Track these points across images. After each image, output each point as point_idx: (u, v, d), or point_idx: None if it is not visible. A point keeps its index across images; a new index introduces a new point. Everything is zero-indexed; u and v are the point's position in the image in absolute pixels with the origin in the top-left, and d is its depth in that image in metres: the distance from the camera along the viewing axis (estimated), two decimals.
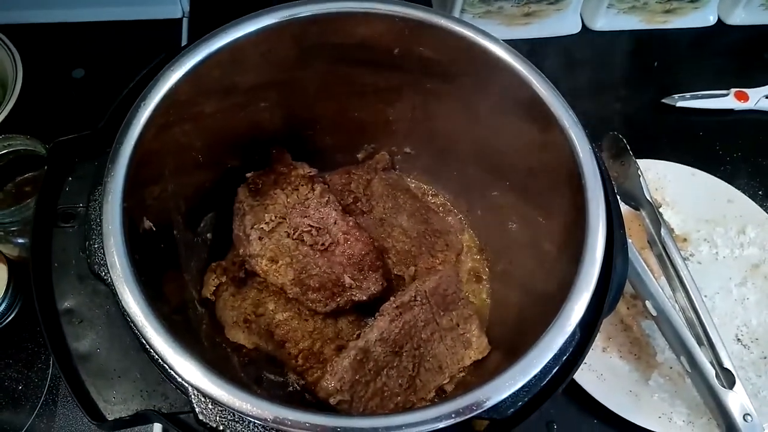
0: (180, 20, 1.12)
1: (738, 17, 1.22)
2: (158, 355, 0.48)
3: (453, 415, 0.47)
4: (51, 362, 0.82)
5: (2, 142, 0.77)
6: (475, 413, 0.48)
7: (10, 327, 0.81)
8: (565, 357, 0.52)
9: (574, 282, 0.54)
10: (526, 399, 0.51)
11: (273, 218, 0.74)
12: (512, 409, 0.50)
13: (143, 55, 1.05)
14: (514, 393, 0.49)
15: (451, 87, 0.72)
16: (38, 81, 0.95)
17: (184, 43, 1.10)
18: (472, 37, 0.65)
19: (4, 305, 0.78)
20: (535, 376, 0.50)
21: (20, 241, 0.79)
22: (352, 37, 0.68)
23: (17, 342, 0.82)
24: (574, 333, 0.52)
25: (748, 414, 0.75)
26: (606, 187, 0.59)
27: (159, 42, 1.10)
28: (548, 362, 0.50)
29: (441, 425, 0.47)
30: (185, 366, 0.47)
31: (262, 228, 0.73)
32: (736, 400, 0.75)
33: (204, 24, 1.10)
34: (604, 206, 0.57)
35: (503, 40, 0.66)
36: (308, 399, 0.70)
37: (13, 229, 0.77)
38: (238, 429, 0.48)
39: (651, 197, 0.89)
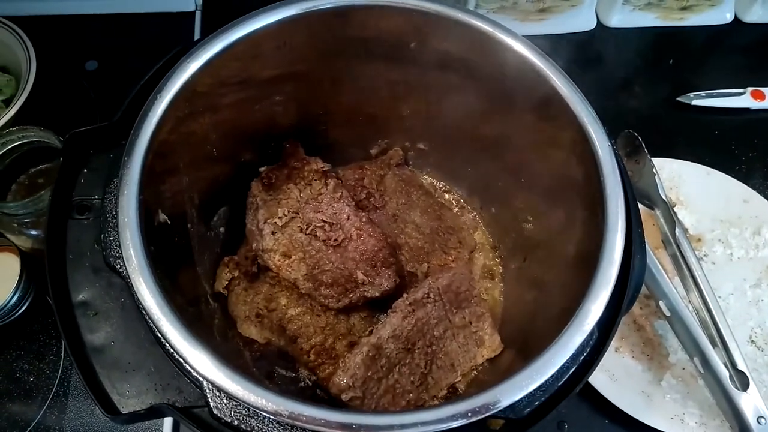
0: (193, 13, 1.12)
1: (755, 15, 1.21)
2: (173, 349, 0.48)
3: (469, 414, 0.46)
4: (62, 354, 0.82)
5: (16, 134, 0.77)
6: (491, 412, 0.47)
7: (21, 319, 0.81)
8: (582, 357, 0.52)
9: (593, 281, 0.53)
10: (542, 399, 0.50)
11: (286, 213, 0.74)
12: (528, 409, 0.49)
13: (156, 47, 1.05)
14: (530, 393, 0.48)
15: (467, 82, 0.71)
16: (52, 73, 0.95)
17: (197, 36, 1.10)
18: (490, 31, 0.65)
19: (16, 297, 0.78)
20: (552, 375, 0.49)
21: (33, 232, 0.79)
22: (369, 30, 0.67)
23: (29, 334, 0.83)
24: (591, 333, 0.51)
25: (762, 417, 0.74)
26: (625, 185, 0.58)
27: (172, 35, 1.10)
28: (565, 362, 0.50)
29: (457, 424, 0.46)
30: (200, 360, 0.47)
31: (275, 223, 0.73)
32: (749, 403, 0.75)
33: (217, 17, 1.11)
34: (623, 204, 0.56)
35: None
36: (320, 395, 0.70)
37: (26, 221, 0.77)
38: (253, 424, 0.48)
39: (666, 196, 0.88)
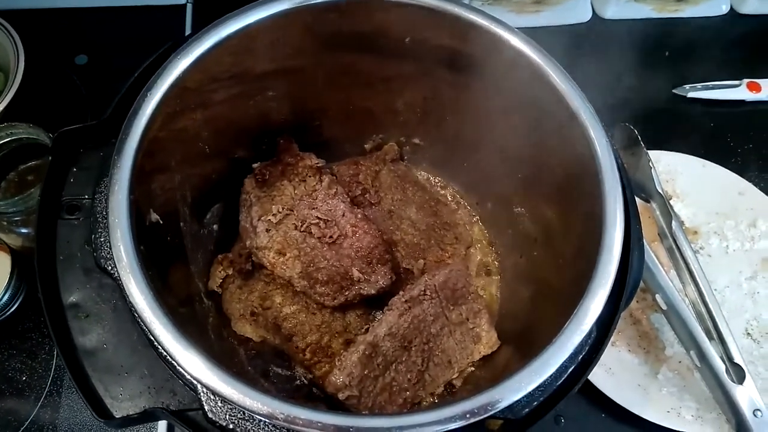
0: (184, 6, 1.10)
1: (751, 6, 1.20)
2: (166, 352, 0.48)
3: (467, 415, 0.46)
4: (55, 353, 0.81)
5: (4, 131, 0.76)
6: (490, 413, 0.47)
7: (13, 317, 0.80)
8: (581, 356, 0.52)
9: (591, 279, 0.53)
10: (540, 399, 0.50)
11: (280, 210, 0.73)
12: (527, 409, 0.49)
13: (147, 41, 1.04)
14: (529, 393, 0.48)
15: (463, 76, 0.71)
16: (40, 68, 0.94)
17: (188, 29, 1.08)
18: (486, 25, 0.64)
19: (7, 296, 0.77)
20: (550, 375, 0.49)
21: (23, 230, 0.78)
22: (364, 25, 0.67)
23: (21, 332, 0.82)
24: (590, 332, 0.51)
25: (758, 410, 0.75)
26: (623, 182, 0.58)
27: (163, 28, 1.08)
28: (564, 361, 0.49)
29: (455, 425, 0.46)
30: (194, 363, 0.47)
31: (270, 220, 0.72)
32: (745, 396, 0.75)
33: (208, 10, 1.09)
34: (621, 201, 0.56)
35: None
36: (316, 393, 0.69)
37: (16, 218, 0.76)
38: (248, 427, 0.48)
39: (662, 189, 0.88)
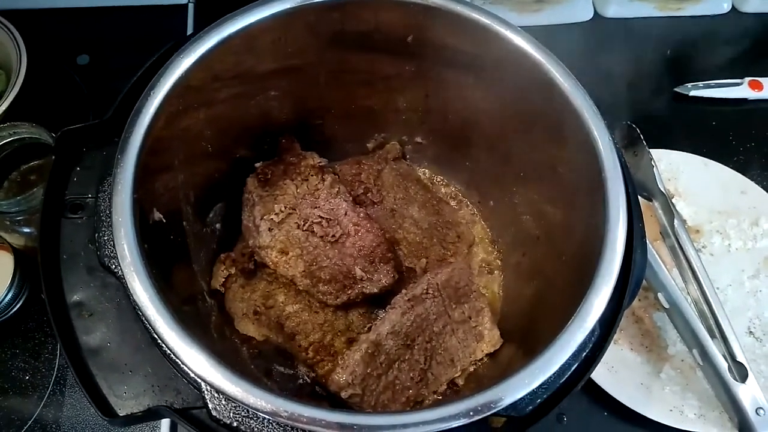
0: (186, 6, 1.10)
1: (752, 4, 1.20)
2: (170, 350, 0.48)
3: (471, 413, 0.46)
4: (58, 352, 0.81)
5: (7, 130, 0.76)
6: (494, 411, 0.47)
7: (16, 317, 0.80)
8: (584, 353, 0.52)
9: (594, 277, 0.52)
10: (544, 396, 0.50)
11: (283, 209, 0.73)
12: (530, 407, 0.49)
13: (148, 40, 1.04)
14: (532, 391, 0.48)
15: (465, 75, 0.71)
16: (42, 67, 0.94)
17: (190, 28, 1.08)
18: (489, 23, 0.64)
19: (10, 295, 0.77)
20: (553, 373, 0.49)
21: (26, 230, 0.78)
22: (365, 23, 0.67)
23: (24, 332, 0.82)
24: (593, 329, 0.51)
25: (761, 408, 0.75)
26: (626, 180, 0.58)
27: (164, 28, 1.08)
28: (567, 359, 0.49)
29: (458, 423, 0.46)
30: (198, 361, 0.47)
31: (272, 219, 0.72)
32: (748, 394, 0.75)
33: (209, 10, 1.09)
34: (624, 199, 0.56)
35: None
36: (319, 392, 0.69)
37: (19, 218, 0.76)
38: (252, 425, 0.48)
39: (664, 188, 0.88)
